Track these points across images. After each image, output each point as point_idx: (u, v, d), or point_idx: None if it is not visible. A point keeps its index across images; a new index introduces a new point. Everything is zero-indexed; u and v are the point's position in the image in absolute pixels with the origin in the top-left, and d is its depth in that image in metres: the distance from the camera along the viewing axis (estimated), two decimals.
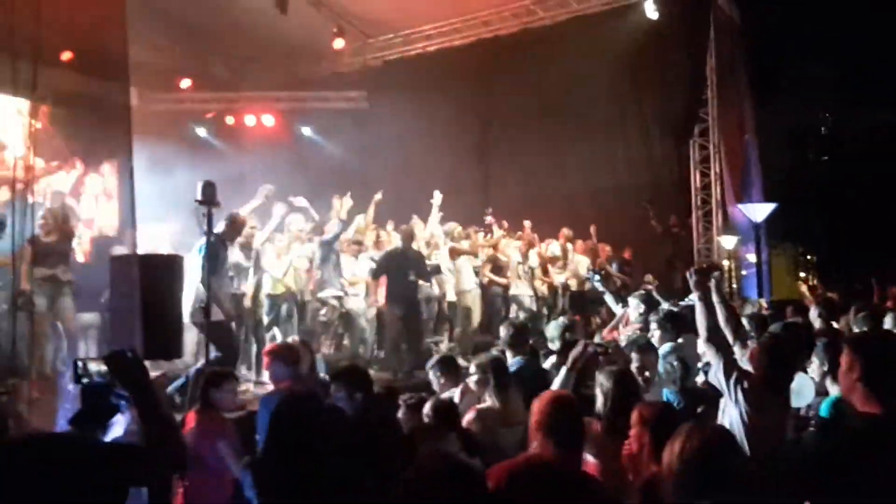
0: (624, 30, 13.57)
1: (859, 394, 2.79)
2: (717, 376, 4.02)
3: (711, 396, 4.35)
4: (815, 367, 4.88)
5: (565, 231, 12.19)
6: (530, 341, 6.05)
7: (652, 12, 13.26)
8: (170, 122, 14.34)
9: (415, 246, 9.93)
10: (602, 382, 3.99)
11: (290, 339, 6.94)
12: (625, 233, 13.16)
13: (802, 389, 4.58)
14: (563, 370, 4.22)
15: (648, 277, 9.22)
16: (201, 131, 14.87)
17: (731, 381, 3.91)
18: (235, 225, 7.57)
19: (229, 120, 15.06)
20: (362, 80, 15.53)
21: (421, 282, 9.62)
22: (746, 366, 4.22)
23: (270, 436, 3.49)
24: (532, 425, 3.28)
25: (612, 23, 13.68)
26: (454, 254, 10.58)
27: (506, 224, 12.04)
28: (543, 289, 11.71)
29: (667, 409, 3.44)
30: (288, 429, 3.43)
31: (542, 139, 14.03)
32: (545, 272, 11.83)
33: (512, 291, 11.04)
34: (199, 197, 6.43)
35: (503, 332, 5.74)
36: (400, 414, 4.42)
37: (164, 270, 6.33)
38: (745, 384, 3.89)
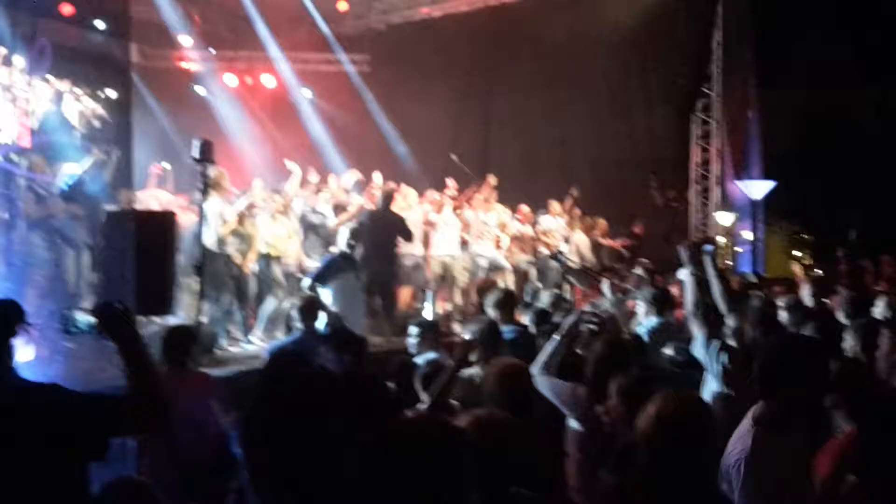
0: (631, 1, 13.44)
1: None
2: (700, 350, 4.06)
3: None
4: None
5: (555, 206, 12.16)
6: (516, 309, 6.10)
7: None
8: (170, 80, 14.28)
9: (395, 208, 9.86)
10: (594, 349, 4.05)
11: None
12: (624, 206, 13.15)
13: None
14: (556, 338, 4.25)
15: (639, 269, 9.25)
16: (201, 90, 14.77)
17: (714, 356, 3.94)
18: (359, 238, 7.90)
19: (230, 80, 14.97)
20: (365, 44, 15.40)
21: (406, 246, 9.62)
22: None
23: (258, 392, 3.53)
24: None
25: None
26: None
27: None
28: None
29: (643, 381, 3.47)
30: (275, 385, 3.48)
31: (545, 109, 13.94)
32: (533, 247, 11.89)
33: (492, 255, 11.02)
34: (195, 155, 6.45)
35: (490, 297, 5.77)
36: None
37: (159, 227, 6.36)
38: (727, 359, 3.91)
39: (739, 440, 2.82)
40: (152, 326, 7.53)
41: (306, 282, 7.28)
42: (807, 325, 5.29)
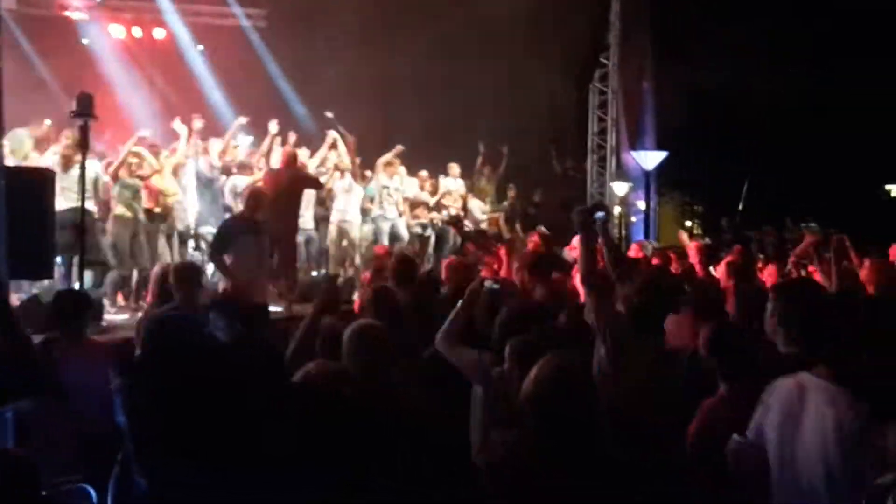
0: None
1: (780, 337, 3.03)
2: (589, 315, 4.09)
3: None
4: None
5: (454, 168, 12.20)
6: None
7: None
8: (51, 29, 13.43)
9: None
10: (499, 314, 4.03)
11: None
12: (525, 174, 13.26)
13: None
14: (458, 304, 4.21)
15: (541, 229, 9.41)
16: (86, 41, 13.94)
17: (603, 321, 3.97)
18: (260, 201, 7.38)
19: (117, 31, 14.17)
20: None
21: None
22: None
23: (140, 360, 3.36)
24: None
25: None
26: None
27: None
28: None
29: (535, 344, 3.46)
30: (159, 350, 3.32)
31: (445, 77, 13.84)
32: (438, 208, 11.91)
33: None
34: (74, 108, 6.06)
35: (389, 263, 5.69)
36: None
37: (33, 185, 5.95)
38: (616, 324, 3.95)
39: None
40: (30, 289, 7.17)
41: (201, 253, 6.84)
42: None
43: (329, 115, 10.85)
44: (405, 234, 11.04)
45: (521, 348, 3.49)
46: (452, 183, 12.27)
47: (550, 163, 13.23)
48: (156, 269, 5.84)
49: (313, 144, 11.09)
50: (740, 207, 13.64)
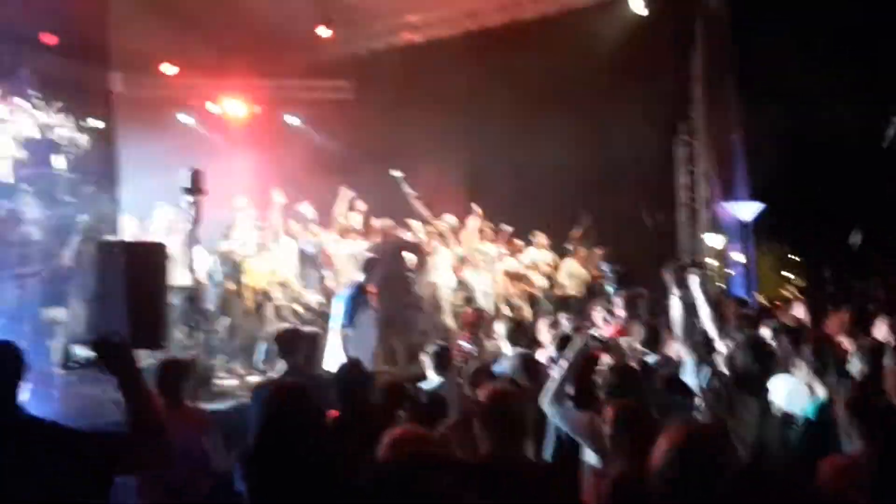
0: (611, 24, 13.51)
1: None
2: (690, 376, 3.99)
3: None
4: (802, 369, 4.88)
5: (541, 238, 12.20)
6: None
7: (640, 7, 13.22)
8: (154, 108, 14.17)
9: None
10: (603, 376, 3.97)
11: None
12: (612, 229, 13.16)
13: (795, 395, 4.56)
14: (563, 364, 4.16)
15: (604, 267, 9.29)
16: (185, 118, 14.68)
17: (704, 382, 3.87)
18: (375, 269, 7.41)
19: (214, 108, 14.89)
20: (348, 70, 15.40)
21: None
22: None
23: (259, 428, 3.43)
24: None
25: (599, 17, 13.61)
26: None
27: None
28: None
29: (636, 409, 3.37)
30: (276, 421, 3.38)
31: (529, 133, 13.95)
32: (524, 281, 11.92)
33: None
34: (186, 185, 6.34)
35: (501, 327, 5.72)
36: None
37: (149, 258, 6.23)
38: (718, 384, 3.84)
39: None
40: (147, 360, 7.44)
41: (336, 325, 6.76)
42: (803, 349, 5.21)
43: (396, 173, 11.03)
44: (489, 303, 11.02)
45: (623, 413, 3.40)
46: (538, 254, 12.31)
47: (640, 217, 13.05)
48: (267, 338, 6.01)
49: (400, 209, 11.30)
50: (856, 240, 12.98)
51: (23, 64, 7.09)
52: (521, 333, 5.68)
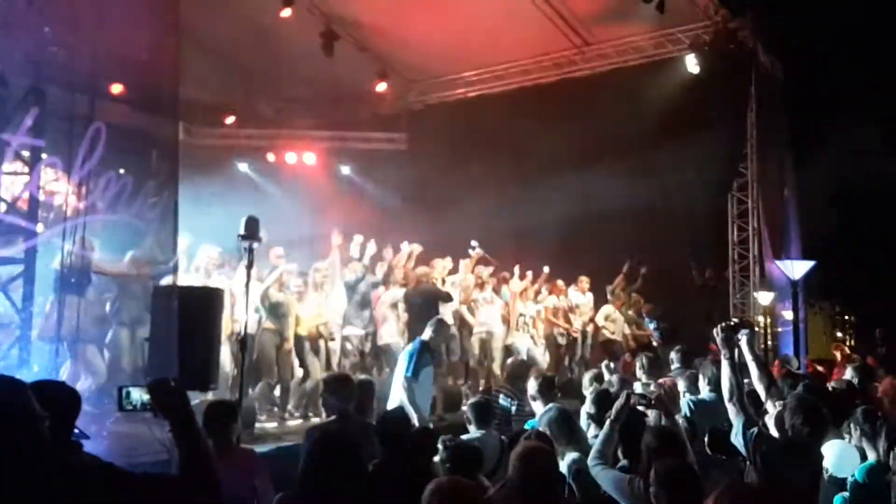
0: (664, 83, 13.62)
1: None
2: (738, 437, 3.95)
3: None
4: (852, 432, 4.80)
5: (584, 282, 12.40)
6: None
7: (693, 66, 13.31)
8: (214, 157, 14.66)
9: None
10: (644, 438, 3.92)
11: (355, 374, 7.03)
12: (661, 284, 13.09)
13: (845, 458, 4.48)
14: (607, 423, 4.15)
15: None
16: (243, 167, 15.15)
17: (751, 443, 3.83)
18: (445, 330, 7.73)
19: (271, 157, 15.35)
20: (402, 123, 15.76)
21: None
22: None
23: (303, 472, 3.52)
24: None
25: (652, 76, 13.76)
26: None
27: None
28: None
29: (682, 468, 3.37)
30: (318, 465, 3.46)
31: (580, 190, 13.98)
32: (566, 319, 11.95)
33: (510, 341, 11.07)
34: (242, 231, 6.57)
35: (532, 383, 5.72)
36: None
37: (202, 302, 6.44)
38: (766, 447, 3.79)
39: None
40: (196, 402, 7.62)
41: (401, 377, 6.85)
42: (853, 411, 5.13)
43: (475, 243, 11.20)
44: (539, 359, 11.10)
45: (668, 474, 3.39)
46: (581, 297, 12.36)
47: (690, 273, 12.95)
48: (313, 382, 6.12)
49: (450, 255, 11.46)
50: None
51: (96, 115, 7.42)
52: (551, 387, 5.67)
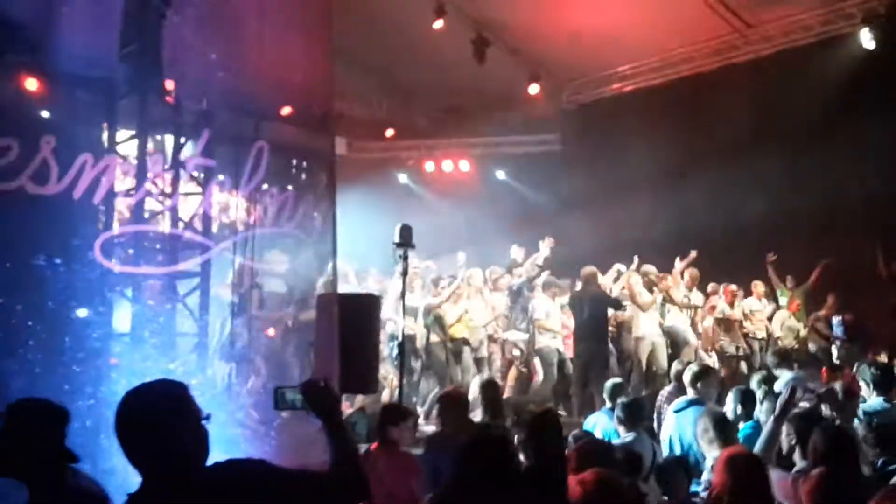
0: (836, 61, 12.72)
1: None
2: None
3: None
4: None
5: (759, 287, 11.84)
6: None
7: (868, 41, 12.35)
8: (376, 169, 15.21)
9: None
10: (812, 439, 3.65)
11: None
12: (841, 278, 12.20)
13: None
14: (770, 420, 3.92)
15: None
16: (403, 178, 15.66)
17: None
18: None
19: (428, 167, 15.73)
20: (556, 124, 15.62)
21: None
22: None
23: (456, 473, 3.54)
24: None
25: (822, 54, 12.85)
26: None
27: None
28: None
29: (842, 477, 3.10)
30: (474, 467, 3.47)
31: (747, 179, 13.30)
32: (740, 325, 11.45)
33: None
34: (396, 239, 6.75)
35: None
36: None
37: (361, 309, 6.66)
38: None
39: None
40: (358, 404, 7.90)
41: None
42: None
43: (547, 241, 10.89)
44: (693, 340, 10.81)
45: (828, 482, 3.14)
46: (756, 304, 11.71)
47: (875, 266, 11.91)
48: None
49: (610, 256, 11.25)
50: None
51: (260, 135, 7.87)
52: (639, 412, 5.41)
